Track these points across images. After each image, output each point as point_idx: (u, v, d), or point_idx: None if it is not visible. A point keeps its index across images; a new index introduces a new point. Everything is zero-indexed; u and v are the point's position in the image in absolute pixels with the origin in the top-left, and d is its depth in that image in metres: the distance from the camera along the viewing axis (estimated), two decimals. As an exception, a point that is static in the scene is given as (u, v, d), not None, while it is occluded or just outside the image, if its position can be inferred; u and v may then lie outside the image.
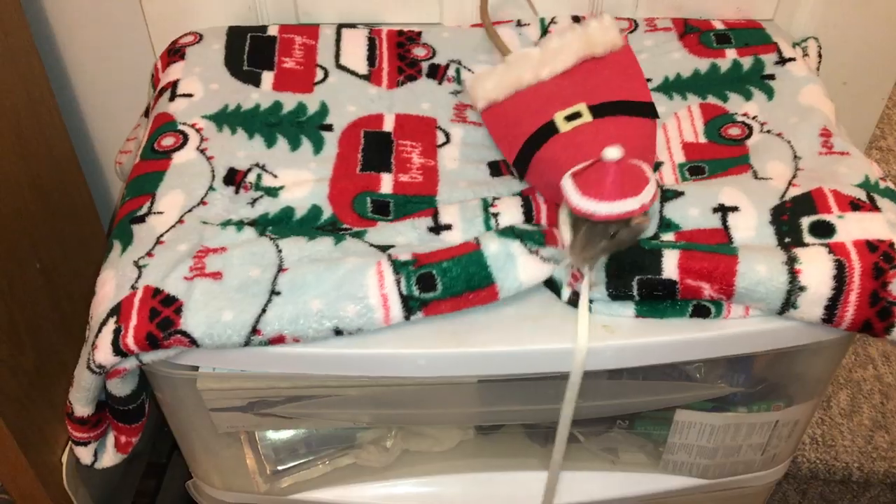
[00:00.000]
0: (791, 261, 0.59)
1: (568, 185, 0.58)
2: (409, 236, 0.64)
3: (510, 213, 0.64)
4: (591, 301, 0.62)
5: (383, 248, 0.63)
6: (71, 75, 1.01)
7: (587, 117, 0.66)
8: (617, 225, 0.58)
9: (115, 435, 0.68)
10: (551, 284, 0.63)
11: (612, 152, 0.55)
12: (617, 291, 0.60)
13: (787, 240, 0.61)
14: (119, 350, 0.58)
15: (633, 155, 0.59)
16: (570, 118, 0.67)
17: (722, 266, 0.59)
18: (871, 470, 1.09)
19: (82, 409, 0.64)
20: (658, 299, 0.61)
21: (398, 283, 0.59)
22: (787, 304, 0.59)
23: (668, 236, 0.63)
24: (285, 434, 0.75)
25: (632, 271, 0.60)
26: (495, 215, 0.64)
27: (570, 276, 0.61)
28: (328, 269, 0.60)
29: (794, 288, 0.58)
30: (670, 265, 0.59)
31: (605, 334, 0.60)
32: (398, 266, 0.60)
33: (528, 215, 0.65)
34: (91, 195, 1.08)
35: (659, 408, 0.71)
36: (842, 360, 0.86)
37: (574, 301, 0.62)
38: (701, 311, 0.61)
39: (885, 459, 1.09)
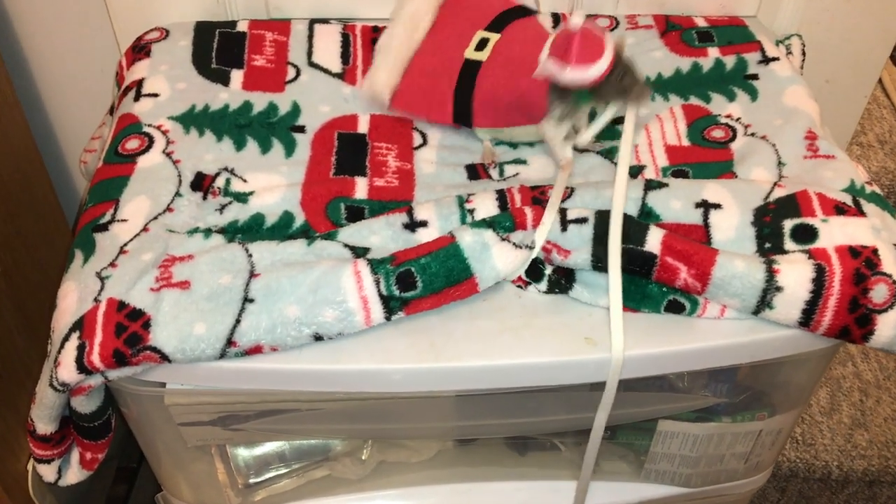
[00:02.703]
0: (770, 261, 0.58)
1: (568, 74, 0.63)
2: (383, 235, 0.62)
3: (485, 207, 0.63)
4: (570, 283, 0.61)
5: (357, 251, 0.61)
6: (33, 71, 0.98)
7: (494, 36, 0.69)
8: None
9: (79, 451, 0.65)
10: (531, 273, 0.61)
11: (577, 19, 0.61)
12: (600, 260, 0.59)
13: (767, 244, 0.60)
14: (83, 367, 0.56)
15: (538, 45, 0.66)
16: (479, 48, 0.70)
17: (702, 252, 0.58)
18: (851, 468, 1.09)
19: (45, 426, 0.62)
20: (635, 274, 0.59)
21: (377, 283, 0.57)
22: (763, 302, 0.58)
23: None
24: (258, 447, 0.73)
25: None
26: (471, 211, 0.62)
27: (544, 254, 0.61)
28: (303, 272, 0.58)
29: (771, 287, 0.57)
30: (654, 239, 0.58)
31: (587, 348, 0.58)
32: (376, 265, 0.58)
33: (504, 208, 0.63)
34: (56, 195, 1.05)
35: (642, 419, 0.70)
36: (826, 370, 0.85)
37: (555, 283, 0.61)
38: (676, 307, 0.60)
39: (865, 458, 1.09)
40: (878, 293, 0.57)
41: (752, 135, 0.70)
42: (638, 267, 0.59)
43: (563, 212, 0.61)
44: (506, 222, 0.60)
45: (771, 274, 0.57)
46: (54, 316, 0.60)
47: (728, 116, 0.73)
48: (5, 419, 0.93)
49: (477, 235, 0.59)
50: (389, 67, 0.72)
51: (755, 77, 0.76)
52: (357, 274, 0.57)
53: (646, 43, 0.81)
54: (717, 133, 0.72)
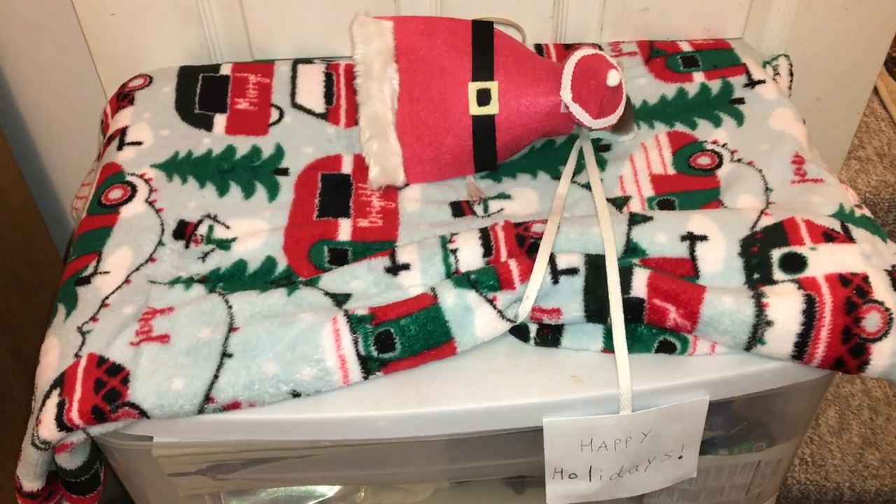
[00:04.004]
0: (759, 295, 0.57)
1: (595, 124, 0.68)
2: (365, 280, 0.61)
3: (469, 248, 0.62)
4: (560, 333, 0.60)
5: (338, 298, 0.60)
6: (26, 119, 0.98)
7: (492, 85, 0.69)
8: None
9: (68, 506, 0.65)
10: (516, 330, 0.60)
11: (614, 78, 0.65)
12: (595, 309, 0.58)
13: (755, 275, 0.59)
14: (63, 425, 0.55)
15: (528, 62, 0.70)
16: (482, 101, 0.69)
17: (689, 290, 0.57)
18: (863, 489, 1.07)
19: (31, 484, 0.61)
20: (627, 319, 0.58)
21: (356, 343, 0.56)
22: (754, 338, 0.57)
23: (634, 261, 0.61)
24: (252, 494, 0.72)
25: (607, 288, 0.58)
26: (454, 251, 0.62)
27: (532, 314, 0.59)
28: (282, 328, 0.57)
29: (761, 322, 0.56)
30: (639, 283, 0.58)
31: (574, 386, 0.57)
32: (355, 323, 0.57)
33: (487, 247, 0.62)
34: (53, 242, 1.05)
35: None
36: (823, 398, 0.83)
37: (542, 340, 0.60)
38: (667, 347, 0.59)
39: (877, 478, 1.07)
40: (871, 322, 0.56)
41: (739, 161, 0.70)
42: (628, 314, 0.58)
43: (552, 259, 0.59)
44: (490, 280, 0.58)
45: (760, 308, 0.56)
46: (37, 372, 0.59)
47: (714, 143, 0.72)
48: (4, 467, 0.92)
49: (459, 297, 0.57)
50: (393, 149, 0.71)
51: (741, 101, 0.75)
52: (336, 332, 0.56)
53: (630, 70, 0.80)
54: (703, 160, 0.71)
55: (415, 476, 0.70)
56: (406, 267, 0.61)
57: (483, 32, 0.71)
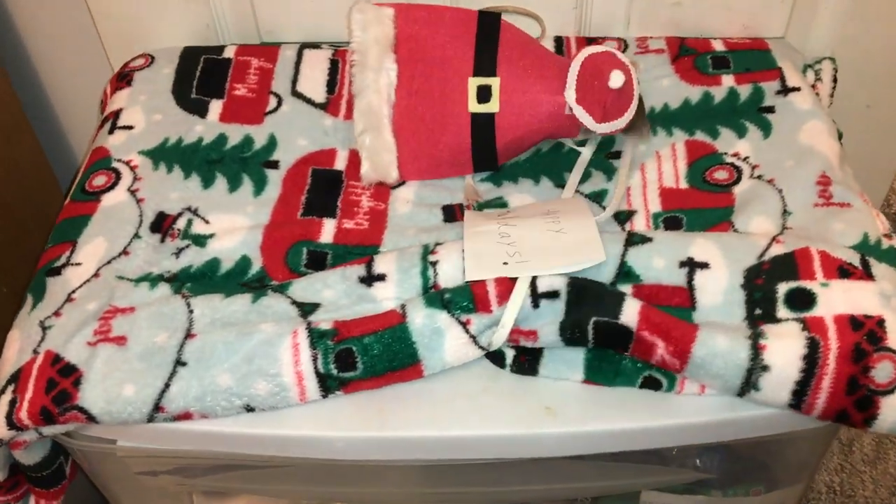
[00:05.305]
0: (756, 335, 0.51)
1: (600, 129, 0.64)
2: (337, 289, 0.58)
3: (450, 262, 0.57)
4: (538, 361, 0.56)
5: (305, 308, 0.57)
6: (51, 99, 0.98)
7: (493, 81, 0.65)
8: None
9: (34, 499, 0.64)
10: (492, 354, 0.56)
11: (618, 80, 0.60)
12: (572, 333, 0.54)
13: (757, 311, 0.53)
14: (13, 424, 0.54)
15: (535, 57, 0.66)
16: (482, 99, 0.65)
17: (682, 327, 0.52)
18: (895, 524, 1.00)
19: (-9, 476, 0.60)
20: (610, 346, 0.54)
21: (314, 359, 0.53)
22: (748, 384, 0.52)
23: (626, 287, 0.56)
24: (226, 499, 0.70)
25: (591, 310, 0.53)
26: (434, 263, 0.57)
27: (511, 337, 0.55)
28: (239, 338, 0.54)
29: (756, 367, 0.51)
30: (630, 311, 0.53)
31: (547, 419, 0.53)
32: (315, 338, 0.54)
33: None
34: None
35: (622, 492, 0.64)
36: (831, 444, 0.77)
37: (518, 368, 0.55)
38: (652, 384, 0.54)
39: (911, 513, 1.00)
40: (882, 372, 0.50)
41: (759, 177, 0.64)
42: (613, 341, 0.53)
43: (533, 281, 0.55)
44: (464, 301, 0.54)
45: (756, 351, 0.51)
46: (-1, 364, 0.58)
47: (735, 155, 0.66)
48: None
49: (429, 318, 0.53)
50: (387, 145, 0.67)
51: (770, 110, 0.69)
52: (295, 346, 0.53)
53: (654, 70, 0.74)
54: (720, 174, 0.65)
55: (389, 497, 0.67)
56: (381, 278, 0.58)
57: (489, 23, 0.67)
